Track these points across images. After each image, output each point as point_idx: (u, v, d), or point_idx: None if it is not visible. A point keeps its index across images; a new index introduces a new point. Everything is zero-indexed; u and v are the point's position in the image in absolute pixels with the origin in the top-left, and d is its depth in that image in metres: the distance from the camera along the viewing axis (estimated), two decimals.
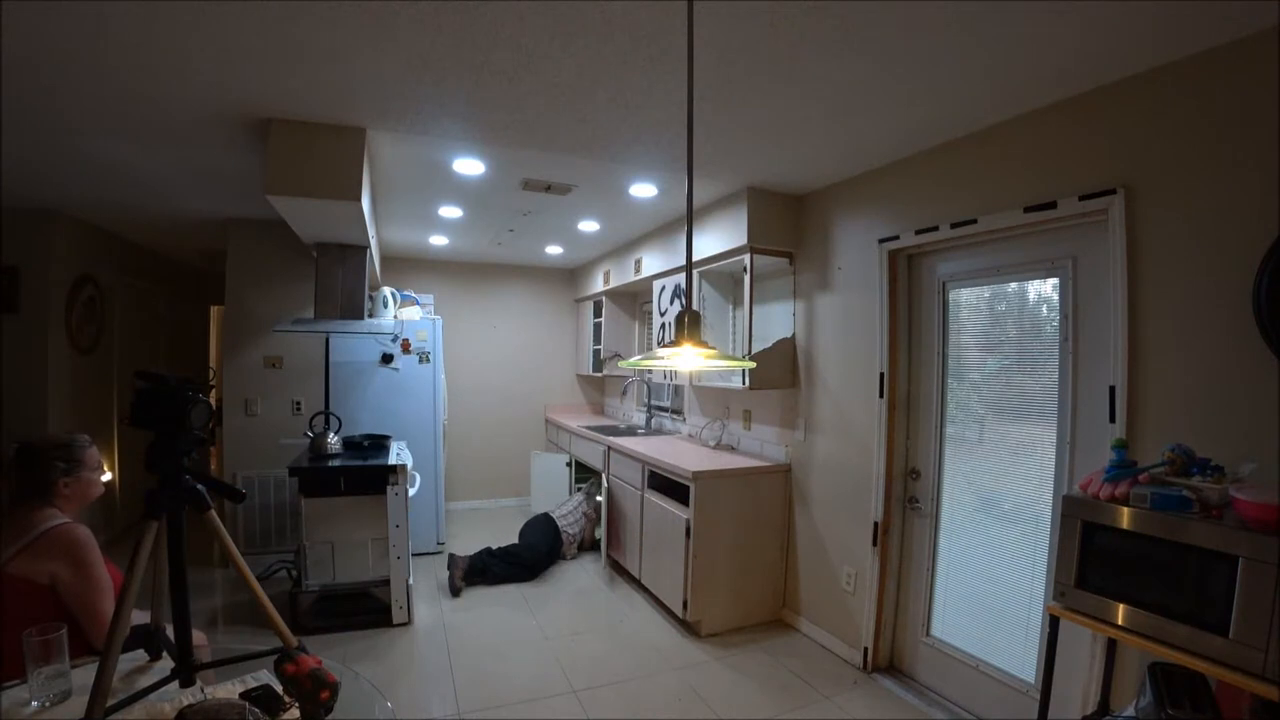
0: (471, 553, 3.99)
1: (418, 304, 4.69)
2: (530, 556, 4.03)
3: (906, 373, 2.79)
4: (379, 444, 3.74)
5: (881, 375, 2.77)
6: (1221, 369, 1.66)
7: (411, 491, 3.35)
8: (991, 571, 2.42)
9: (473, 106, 2.22)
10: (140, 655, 1.37)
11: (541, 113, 2.27)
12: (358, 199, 2.48)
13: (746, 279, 3.29)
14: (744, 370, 3.28)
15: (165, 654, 1.35)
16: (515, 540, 4.23)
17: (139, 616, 1.40)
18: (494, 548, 4.07)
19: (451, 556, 3.86)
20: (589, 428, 4.90)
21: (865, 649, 2.83)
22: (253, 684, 1.26)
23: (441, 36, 1.73)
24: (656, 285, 4.16)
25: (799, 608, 3.31)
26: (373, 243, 3.61)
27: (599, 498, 4.20)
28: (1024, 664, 2.27)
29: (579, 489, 4.83)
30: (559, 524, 4.32)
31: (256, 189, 2.86)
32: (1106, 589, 1.51)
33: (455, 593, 3.70)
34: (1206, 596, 1.32)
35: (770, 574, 3.38)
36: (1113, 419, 1.90)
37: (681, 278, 3.86)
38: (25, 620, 1.22)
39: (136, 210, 3.83)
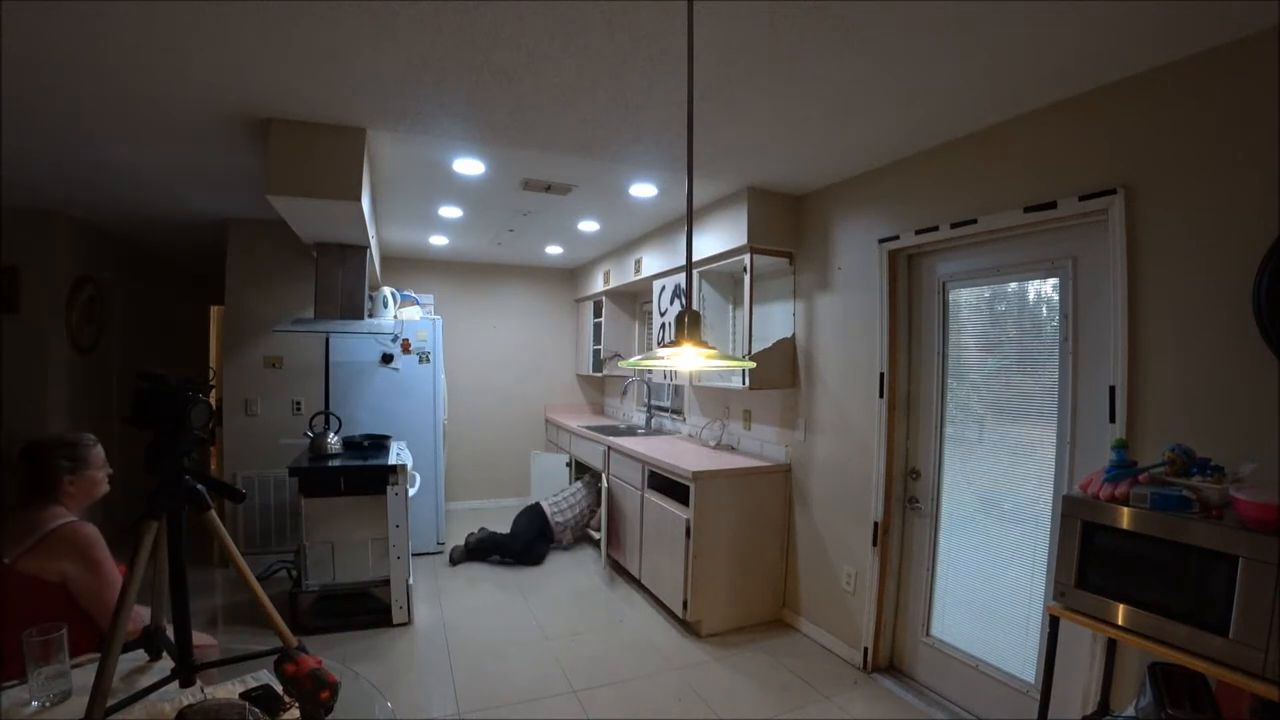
0: (471, 531, 4.46)
1: (418, 304, 4.69)
2: (516, 545, 4.30)
3: (906, 373, 2.79)
4: (379, 444, 3.74)
5: (881, 375, 2.77)
6: (1221, 369, 1.66)
7: (411, 491, 3.35)
8: (991, 571, 2.42)
9: (473, 106, 2.22)
10: (140, 655, 1.37)
11: (541, 113, 2.27)
12: (358, 199, 2.48)
13: (746, 279, 3.29)
14: (744, 370, 3.28)
15: (165, 654, 1.35)
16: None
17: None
18: (491, 530, 4.43)
19: (453, 549, 4.33)
20: (589, 428, 4.90)
21: (865, 649, 2.83)
22: (253, 684, 1.26)
23: (441, 36, 1.73)
24: (656, 285, 4.16)
25: (799, 608, 3.31)
26: (373, 243, 3.61)
27: (602, 485, 4.26)
28: (1024, 664, 2.27)
29: (580, 480, 4.90)
30: (548, 511, 4.51)
31: (256, 189, 2.87)
32: (1106, 589, 1.51)
33: (453, 562, 4.25)
34: (1206, 596, 1.32)
35: (770, 574, 3.38)
36: (1113, 419, 1.90)
37: (681, 278, 3.86)
38: (35, 618, 1.24)
39: (136, 210, 3.83)
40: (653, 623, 3.35)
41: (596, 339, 5.56)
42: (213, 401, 2.28)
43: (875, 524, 2.79)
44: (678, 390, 4.83)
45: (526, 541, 4.32)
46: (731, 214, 3.32)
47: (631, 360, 1.30)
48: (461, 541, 4.40)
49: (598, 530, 4.40)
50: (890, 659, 2.84)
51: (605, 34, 1.71)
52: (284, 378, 4.30)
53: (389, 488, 3.23)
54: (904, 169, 2.70)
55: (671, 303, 3.97)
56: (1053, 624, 1.63)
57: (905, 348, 2.79)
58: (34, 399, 3.78)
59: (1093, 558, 1.54)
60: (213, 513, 1.29)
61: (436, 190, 3.37)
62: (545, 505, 4.57)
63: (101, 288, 4.38)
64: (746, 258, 3.27)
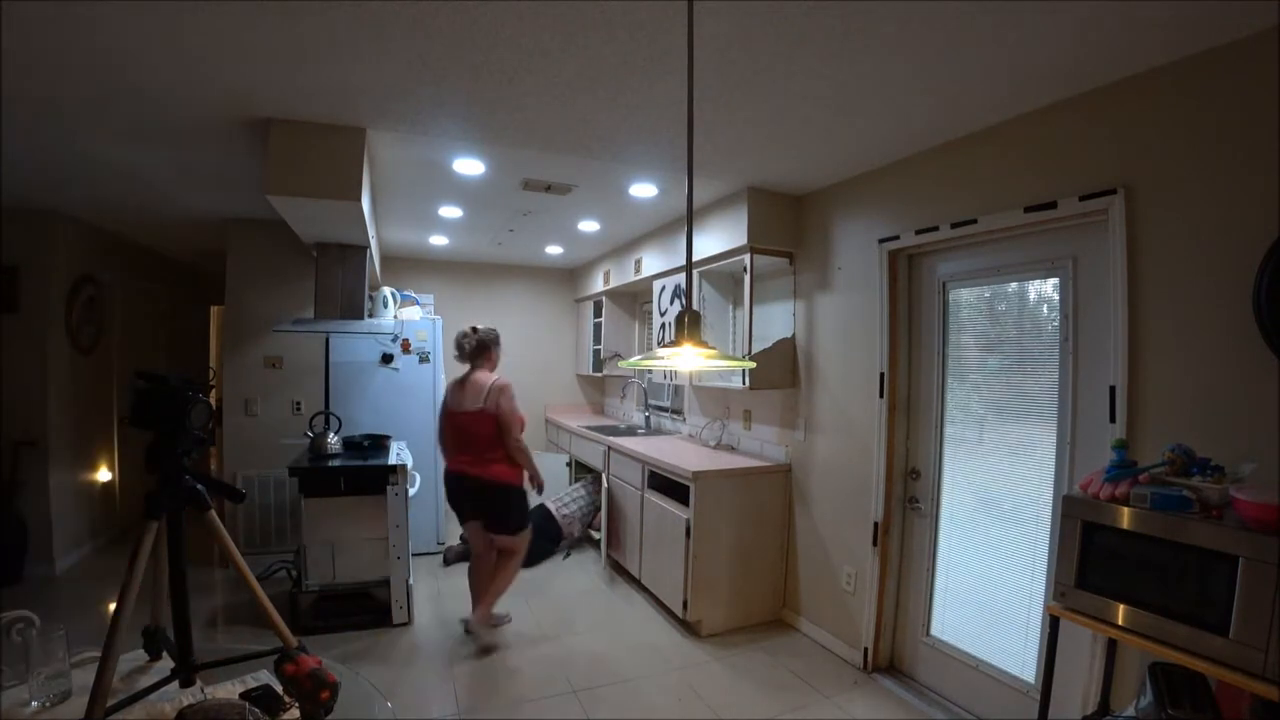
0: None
1: (418, 304, 4.69)
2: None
3: (906, 373, 2.79)
4: (379, 444, 3.74)
5: (881, 375, 2.77)
6: (1221, 369, 1.66)
7: (411, 491, 3.35)
8: (991, 571, 2.42)
9: (473, 106, 2.22)
10: (140, 655, 1.37)
11: (541, 113, 2.27)
12: (358, 199, 2.48)
13: (746, 279, 3.29)
14: (744, 370, 3.28)
15: (165, 654, 1.35)
16: None
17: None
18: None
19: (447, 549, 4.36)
20: (589, 428, 4.90)
21: (865, 649, 2.83)
22: (253, 684, 1.26)
23: (441, 37, 1.73)
24: (656, 285, 4.16)
25: (799, 608, 3.31)
26: (373, 243, 3.61)
27: (602, 485, 4.27)
28: (1024, 664, 2.27)
29: (579, 481, 4.92)
30: (553, 509, 4.51)
31: (256, 189, 2.86)
32: (1106, 589, 1.51)
33: (446, 563, 4.23)
34: (1206, 596, 1.32)
35: (770, 574, 3.38)
36: (1113, 419, 1.90)
37: (681, 278, 3.86)
38: (488, 430, 2.92)
39: (136, 210, 3.83)
40: (653, 623, 3.35)
41: (596, 339, 5.56)
42: (213, 401, 2.29)
43: (875, 524, 2.79)
44: (678, 390, 4.83)
45: (540, 545, 4.31)
46: (731, 214, 3.32)
47: (631, 360, 1.30)
48: (457, 541, 4.40)
49: (598, 530, 4.40)
50: (890, 659, 2.84)
51: (605, 34, 1.71)
52: (284, 378, 4.30)
53: (389, 488, 3.23)
54: (904, 169, 2.70)
55: (671, 303, 3.97)
56: (1053, 624, 1.63)
57: (905, 348, 2.79)
58: (34, 399, 3.78)
59: (1093, 558, 1.54)
60: (213, 513, 1.29)
61: (436, 190, 3.37)
62: (550, 505, 4.59)
63: (101, 288, 4.38)
64: (746, 258, 3.27)
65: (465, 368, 3.14)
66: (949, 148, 2.48)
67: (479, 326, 3.13)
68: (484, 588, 3.11)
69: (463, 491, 3.06)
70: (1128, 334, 1.87)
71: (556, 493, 4.82)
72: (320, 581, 3.19)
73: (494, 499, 3.02)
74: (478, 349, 3.10)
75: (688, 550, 3.12)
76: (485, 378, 3.03)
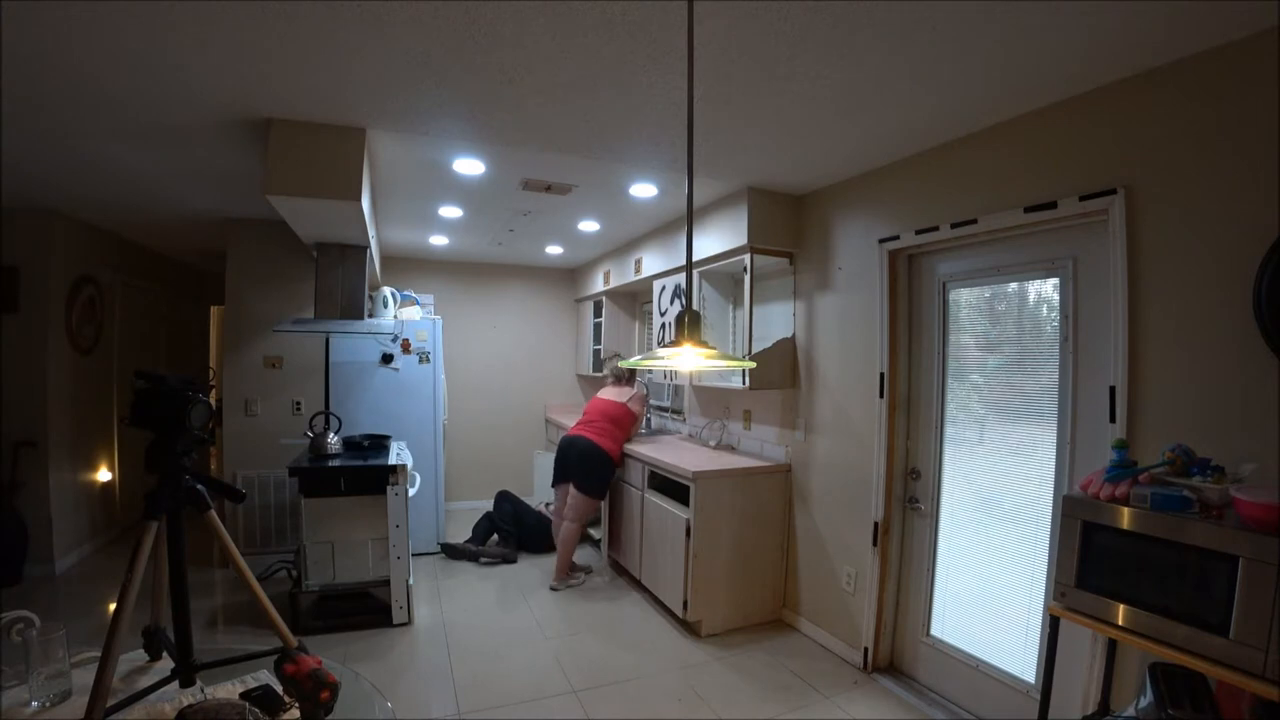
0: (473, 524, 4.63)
1: (418, 304, 4.69)
2: (530, 518, 4.48)
3: (906, 373, 2.79)
4: (379, 444, 3.74)
5: (881, 375, 2.77)
6: (1221, 369, 1.66)
7: (411, 491, 3.35)
8: (991, 571, 2.42)
9: (473, 106, 2.22)
10: (140, 655, 1.37)
11: (541, 113, 2.27)
12: (358, 199, 2.48)
13: (746, 279, 3.29)
14: (744, 370, 3.28)
15: (165, 654, 1.35)
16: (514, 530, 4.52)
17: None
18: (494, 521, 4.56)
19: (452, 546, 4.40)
20: None
21: (865, 649, 2.82)
22: (253, 684, 1.26)
23: (441, 36, 1.74)
24: (656, 285, 4.16)
25: (799, 608, 3.31)
26: (373, 243, 3.61)
27: None
28: (1024, 664, 2.27)
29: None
30: (546, 512, 4.58)
31: (256, 189, 2.86)
32: (1106, 589, 1.51)
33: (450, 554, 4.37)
34: (1207, 596, 1.32)
35: (770, 574, 3.38)
36: (1113, 419, 1.90)
37: (681, 278, 3.86)
38: (623, 422, 3.94)
39: (136, 210, 3.83)
40: (653, 623, 3.35)
41: (596, 339, 5.56)
42: (213, 401, 2.30)
43: (875, 524, 2.79)
44: (678, 390, 4.83)
45: (533, 527, 4.38)
46: (731, 214, 3.32)
47: (631, 360, 1.29)
48: (460, 540, 4.41)
49: (598, 530, 4.40)
50: (890, 659, 2.84)
51: (605, 34, 1.71)
52: (284, 378, 4.30)
53: (389, 488, 3.23)
54: (904, 169, 2.70)
55: (671, 303, 3.96)
56: (1053, 624, 1.63)
57: (905, 348, 2.79)
58: (34, 399, 3.78)
59: (1093, 558, 1.54)
60: (213, 513, 1.29)
61: (436, 190, 3.37)
62: (549, 505, 4.63)
63: (101, 288, 4.38)
64: (747, 258, 3.27)
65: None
66: (949, 148, 2.48)
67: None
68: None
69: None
70: (1128, 334, 1.87)
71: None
72: (320, 581, 3.19)
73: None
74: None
75: (688, 550, 3.12)
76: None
